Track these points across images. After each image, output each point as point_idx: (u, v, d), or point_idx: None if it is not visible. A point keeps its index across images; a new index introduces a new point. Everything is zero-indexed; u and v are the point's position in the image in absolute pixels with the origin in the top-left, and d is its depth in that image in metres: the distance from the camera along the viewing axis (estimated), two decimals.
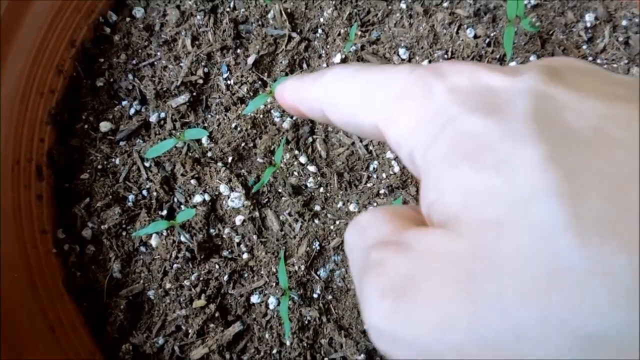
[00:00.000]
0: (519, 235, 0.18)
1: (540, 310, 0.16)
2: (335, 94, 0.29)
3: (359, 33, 0.82)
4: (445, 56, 0.82)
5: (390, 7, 0.83)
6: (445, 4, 0.83)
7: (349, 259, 0.26)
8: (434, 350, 0.18)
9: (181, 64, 0.79)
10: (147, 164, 0.75)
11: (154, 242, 0.70)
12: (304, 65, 0.82)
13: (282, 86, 0.34)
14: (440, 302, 0.18)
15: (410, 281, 0.19)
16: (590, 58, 0.83)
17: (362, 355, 0.65)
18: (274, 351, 0.67)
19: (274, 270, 0.70)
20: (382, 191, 0.74)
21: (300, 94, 0.32)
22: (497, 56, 0.82)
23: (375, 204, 0.73)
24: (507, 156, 0.19)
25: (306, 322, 0.68)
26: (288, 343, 0.66)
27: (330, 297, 0.70)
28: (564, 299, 0.16)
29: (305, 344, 0.67)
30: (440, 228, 0.21)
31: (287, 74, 0.81)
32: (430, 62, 0.81)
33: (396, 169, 0.75)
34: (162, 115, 0.77)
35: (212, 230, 0.72)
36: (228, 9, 0.82)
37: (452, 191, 0.20)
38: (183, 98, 0.78)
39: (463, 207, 0.20)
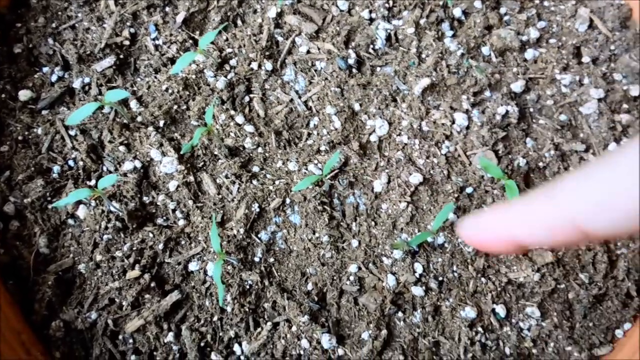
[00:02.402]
0: None
1: None
2: (601, 189, 0.28)
3: None
4: (387, 5, 0.78)
5: None
6: None
7: None
8: None
9: (105, 25, 0.74)
10: (72, 133, 0.70)
11: (81, 213, 0.66)
12: (239, 22, 0.78)
13: (475, 224, 0.33)
14: None
15: None
16: (537, 0, 0.80)
17: (306, 317, 0.63)
18: (215, 318, 0.64)
19: None
20: (322, 148, 0.70)
21: (525, 222, 0.30)
22: (441, 3, 0.78)
23: (315, 162, 0.70)
24: None
25: (247, 286, 0.65)
26: (229, 309, 0.64)
27: (272, 259, 0.67)
28: None
29: (247, 309, 0.64)
30: None
31: (220, 32, 0.76)
32: (370, 12, 0.78)
33: (337, 124, 0.71)
34: (87, 80, 0.72)
35: (145, 198, 0.68)
36: None
37: None
38: (108, 61, 0.73)
39: None
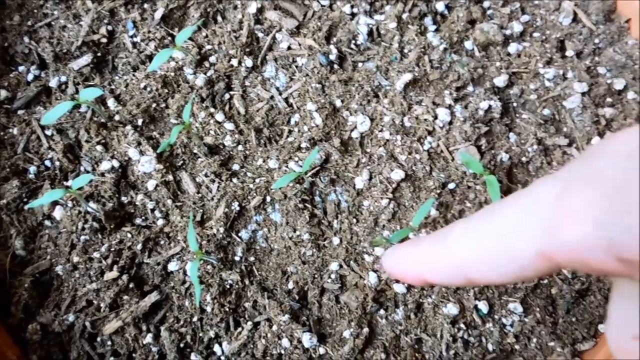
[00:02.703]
0: None
1: None
2: (477, 243, 0.27)
3: None
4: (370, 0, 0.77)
5: None
6: None
7: None
8: None
9: (81, 23, 0.73)
10: (48, 133, 0.69)
11: (57, 214, 0.65)
12: (219, 18, 0.77)
13: (392, 257, 0.32)
14: None
15: None
16: None
17: (287, 316, 0.62)
18: (195, 319, 0.63)
19: None
20: (303, 145, 0.70)
21: (427, 262, 0.30)
22: None
23: (296, 159, 0.69)
24: None
25: (228, 286, 0.64)
26: (209, 309, 0.63)
27: (252, 258, 0.66)
28: None
29: (228, 309, 0.63)
30: None
31: (200, 28, 0.75)
32: (352, 7, 0.77)
33: (318, 120, 0.70)
34: (63, 79, 0.71)
35: (123, 198, 0.67)
36: None
37: None
38: (85, 59, 0.72)
39: None
